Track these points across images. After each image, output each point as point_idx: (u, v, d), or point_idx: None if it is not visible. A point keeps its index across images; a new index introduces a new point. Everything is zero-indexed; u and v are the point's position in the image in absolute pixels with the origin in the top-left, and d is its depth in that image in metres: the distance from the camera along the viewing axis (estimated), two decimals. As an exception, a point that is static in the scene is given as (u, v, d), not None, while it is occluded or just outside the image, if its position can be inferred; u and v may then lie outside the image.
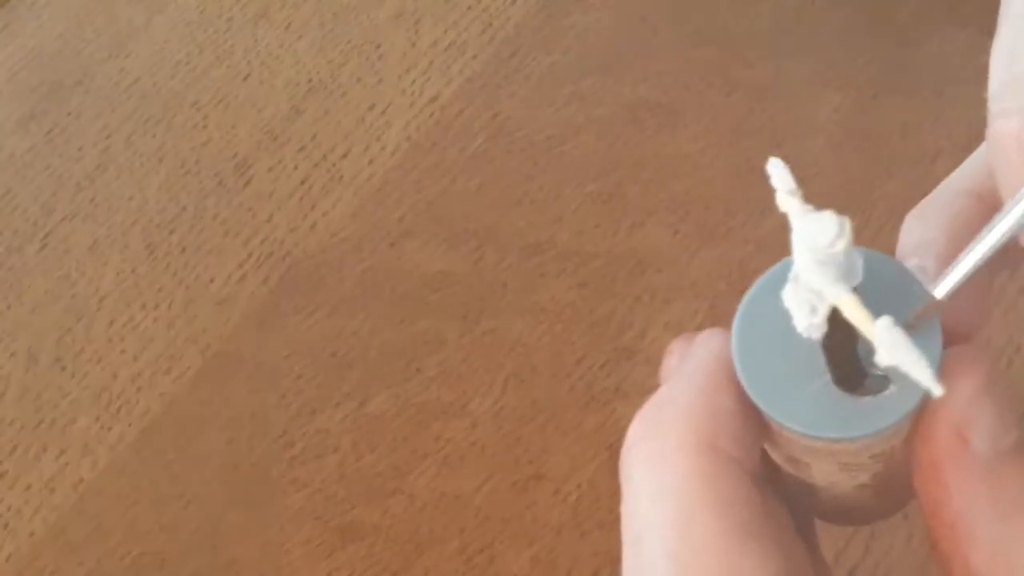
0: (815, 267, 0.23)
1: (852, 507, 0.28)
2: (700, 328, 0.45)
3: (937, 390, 0.22)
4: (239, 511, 0.45)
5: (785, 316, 0.25)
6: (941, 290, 0.24)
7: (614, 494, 0.43)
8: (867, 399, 0.24)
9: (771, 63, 0.52)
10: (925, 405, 0.24)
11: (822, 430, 0.24)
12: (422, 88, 0.54)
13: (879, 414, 0.24)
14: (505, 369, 0.46)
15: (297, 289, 0.50)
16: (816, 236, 0.23)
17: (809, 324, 0.24)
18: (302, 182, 0.53)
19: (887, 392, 0.24)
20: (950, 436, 0.24)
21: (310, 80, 0.56)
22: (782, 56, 0.52)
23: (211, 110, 0.56)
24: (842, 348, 0.25)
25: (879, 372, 0.24)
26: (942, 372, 0.24)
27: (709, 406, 0.25)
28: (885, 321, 0.23)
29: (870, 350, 0.24)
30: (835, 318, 0.24)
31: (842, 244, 0.23)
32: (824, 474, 0.26)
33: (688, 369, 0.26)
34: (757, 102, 0.51)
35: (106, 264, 0.52)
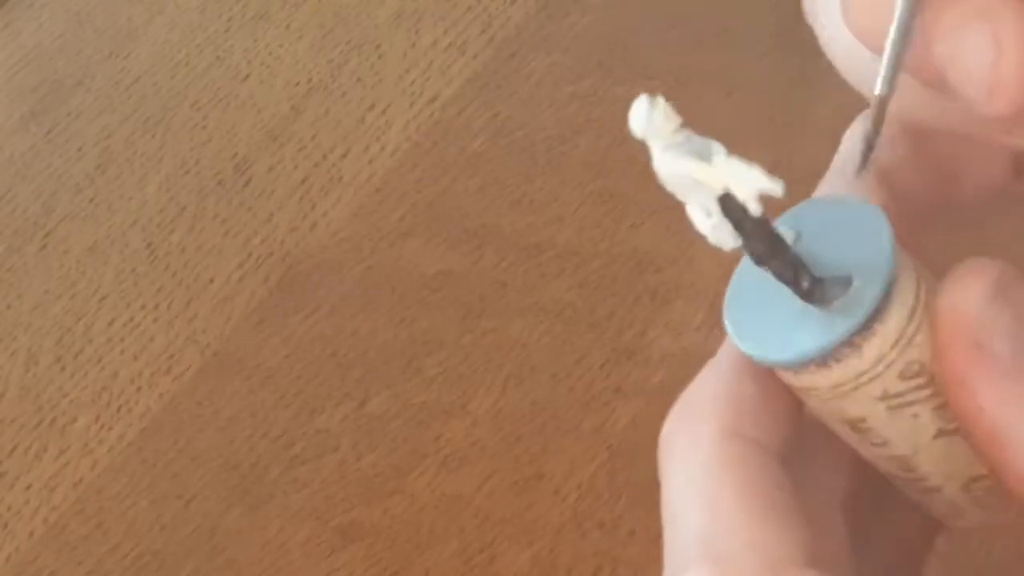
0: (663, 155, 0.24)
1: (957, 469, 0.27)
2: (700, 328, 0.45)
3: (777, 188, 0.23)
4: (239, 511, 0.45)
5: (767, 278, 0.25)
6: (880, 85, 0.25)
7: (614, 494, 0.43)
8: (837, 302, 0.24)
9: (771, 63, 0.52)
10: (937, 319, 0.24)
11: (808, 347, 0.24)
12: (422, 88, 0.54)
13: (853, 307, 0.24)
14: (505, 369, 0.46)
15: (297, 289, 0.50)
16: (637, 127, 0.24)
17: (713, 227, 0.25)
18: (302, 182, 0.53)
19: (853, 286, 0.24)
20: (969, 346, 0.24)
21: (310, 80, 0.56)
22: (782, 56, 0.52)
23: (211, 110, 0.56)
24: (785, 262, 0.25)
25: (836, 275, 0.25)
26: (950, 281, 0.24)
27: (731, 394, 0.26)
28: (718, 150, 0.24)
29: (812, 254, 0.25)
30: (757, 232, 0.24)
31: (657, 113, 0.24)
32: (888, 428, 0.26)
33: (716, 360, 0.27)
34: (757, 102, 0.51)
35: (106, 264, 0.52)
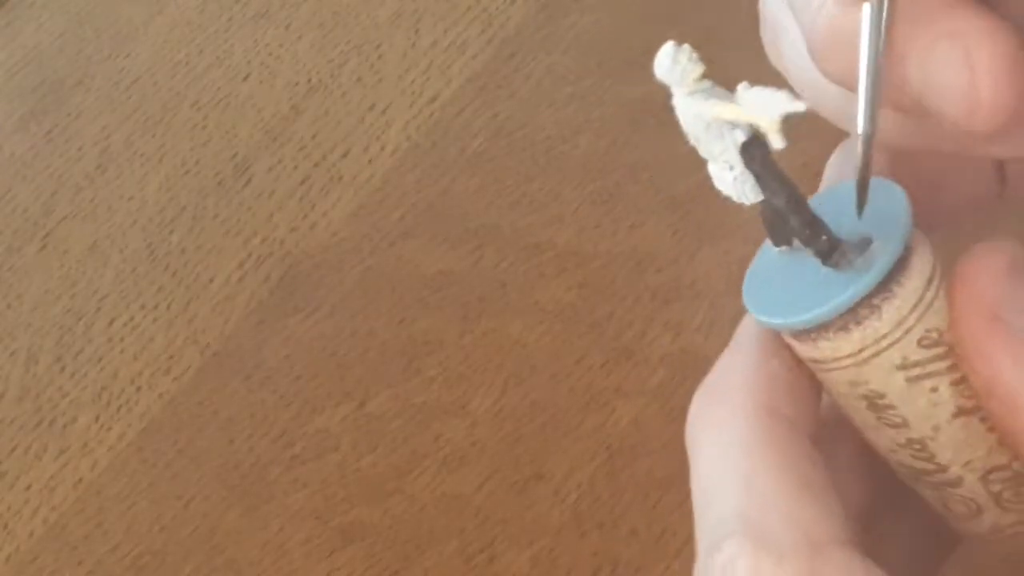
0: (686, 101, 0.24)
1: (977, 456, 0.27)
2: (700, 328, 0.45)
3: (801, 106, 0.23)
4: (239, 511, 0.45)
5: (786, 257, 0.26)
6: (862, 124, 0.25)
7: (614, 494, 0.43)
8: (856, 261, 0.25)
9: (772, 63, 0.52)
10: (956, 288, 0.25)
11: (827, 307, 0.25)
12: (422, 88, 0.54)
13: (872, 266, 0.25)
14: (505, 369, 0.46)
15: (297, 289, 0.50)
16: (662, 72, 0.24)
17: (735, 180, 0.25)
18: (302, 182, 0.53)
19: (872, 246, 0.25)
20: (987, 318, 0.25)
21: (310, 80, 0.56)
22: (782, 56, 0.52)
23: (211, 110, 0.56)
24: (805, 219, 0.25)
25: (853, 238, 0.25)
26: (968, 255, 0.25)
27: (762, 372, 0.26)
28: (743, 86, 0.24)
29: (835, 210, 0.25)
30: (778, 182, 0.25)
31: (683, 57, 0.24)
32: (907, 404, 0.26)
33: (738, 342, 0.27)
34: (757, 102, 0.51)
35: (106, 264, 0.52)
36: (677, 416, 0.44)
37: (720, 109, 0.24)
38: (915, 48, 0.24)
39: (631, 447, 0.43)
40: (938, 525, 0.29)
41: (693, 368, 0.44)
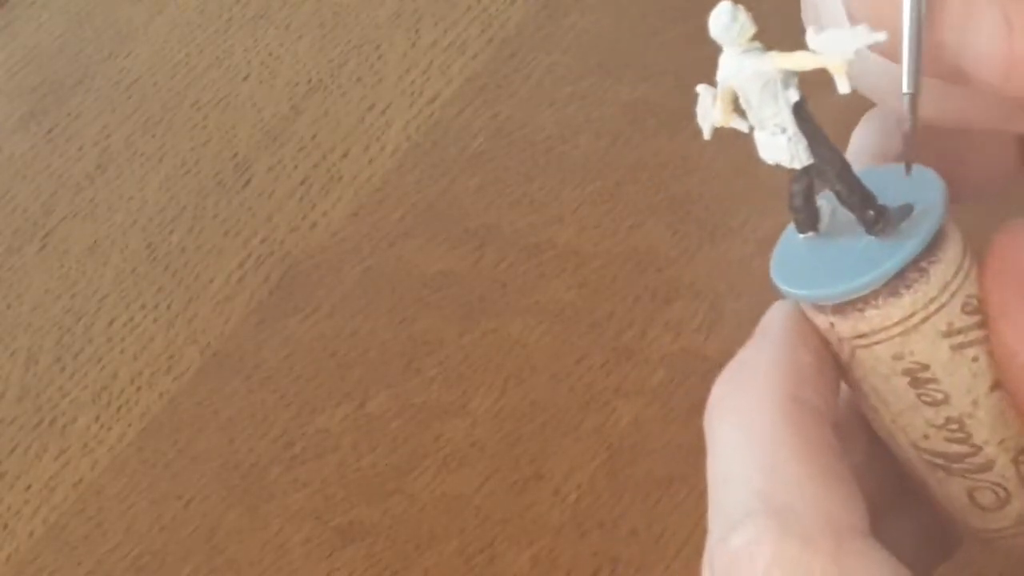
0: (741, 60, 0.25)
1: (1011, 435, 0.27)
2: (700, 328, 0.45)
3: (881, 36, 0.24)
4: (239, 511, 0.45)
5: (817, 238, 0.27)
6: (906, 83, 0.25)
7: (614, 494, 0.43)
8: (902, 225, 0.26)
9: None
10: (989, 256, 0.26)
11: (881, 271, 0.25)
12: (422, 88, 0.54)
13: (919, 229, 0.25)
14: (505, 369, 0.46)
15: (297, 289, 0.50)
16: (719, 31, 0.25)
17: (788, 142, 0.25)
18: (302, 182, 0.53)
19: (915, 212, 0.26)
20: (1017, 282, 0.25)
21: (310, 80, 0.56)
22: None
23: (211, 110, 0.56)
24: (853, 183, 0.26)
25: (894, 205, 0.26)
26: (1003, 234, 0.26)
27: (788, 361, 0.26)
28: (812, 29, 0.24)
29: (880, 179, 0.26)
30: (828, 143, 0.25)
31: (740, 15, 0.24)
32: (949, 376, 0.26)
33: (763, 331, 0.27)
34: (757, 102, 0.51)
35: (106, 264, 0.52)
36: (677, 416, 0.44)
37: (783, 59, 0.24)
38: (952, 9, 0.24)
39: (631, 447, 0.43)
40: (936, 531, 0.29)
41: (693, 368, 0.44)
